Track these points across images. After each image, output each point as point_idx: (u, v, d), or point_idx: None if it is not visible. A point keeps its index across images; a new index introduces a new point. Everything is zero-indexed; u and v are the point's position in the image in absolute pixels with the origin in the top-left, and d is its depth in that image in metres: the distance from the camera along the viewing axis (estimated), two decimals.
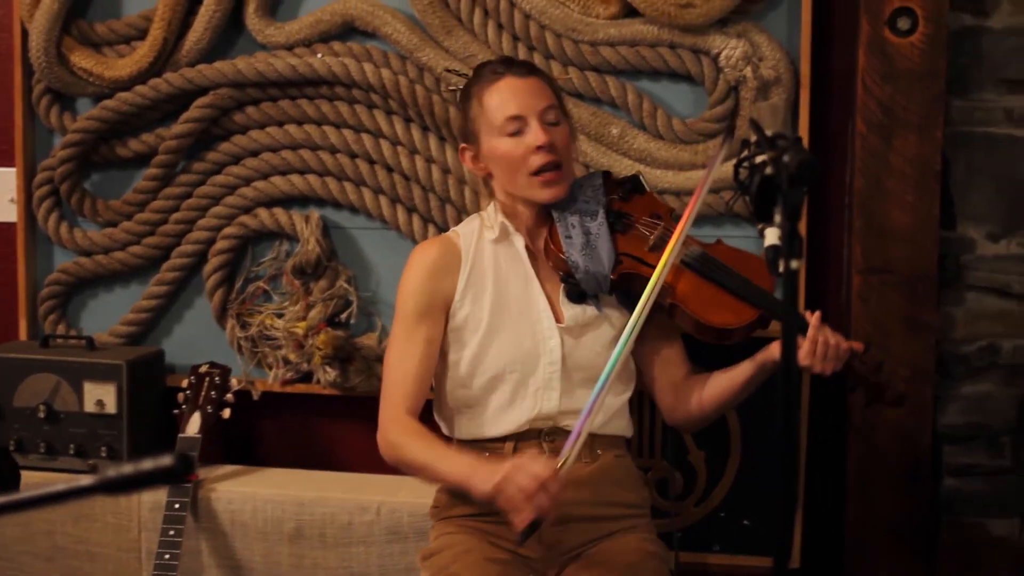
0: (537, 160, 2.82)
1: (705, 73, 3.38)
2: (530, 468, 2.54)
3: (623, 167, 3.39)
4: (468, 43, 3.49)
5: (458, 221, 3.50)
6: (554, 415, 2.86)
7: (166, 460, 1.39)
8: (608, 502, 2.88)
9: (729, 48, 3.33)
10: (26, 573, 3.53)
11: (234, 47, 3.64)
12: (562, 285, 2.89)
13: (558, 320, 2.87)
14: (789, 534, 3.19)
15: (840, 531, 3.33)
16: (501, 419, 2.87)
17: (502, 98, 2.85)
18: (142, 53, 3.59)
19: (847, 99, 3.34)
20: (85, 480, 1.43)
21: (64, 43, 3.64)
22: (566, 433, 2.80)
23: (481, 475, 2.62)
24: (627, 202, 2.96)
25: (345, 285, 3.60)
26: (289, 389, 3.64)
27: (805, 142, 3.36)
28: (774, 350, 2.78)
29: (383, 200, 3.56)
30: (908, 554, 3.29)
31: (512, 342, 2.85)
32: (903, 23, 3.18)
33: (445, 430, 2.99)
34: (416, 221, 3.55)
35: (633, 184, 3.00)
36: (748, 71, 3.32)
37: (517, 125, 2.83)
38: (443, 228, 3.52)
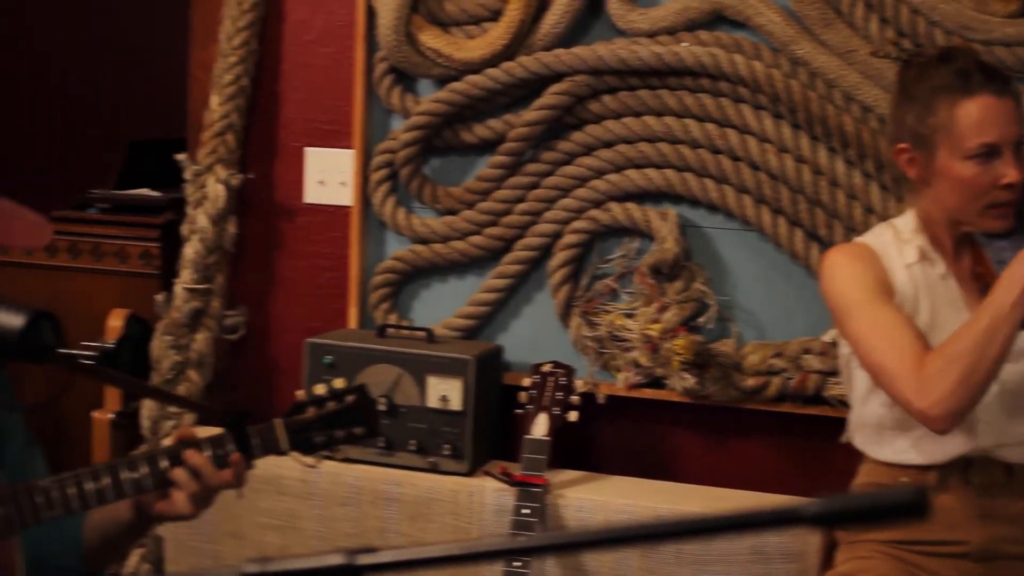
0: (1002, 196, 2.60)
1: None
2: None
3: None
4: (848, 37, 3.27)
5: (828, 226, 3.30)
6: (990, 446, 2.66)
7: (905, 493, 1.12)
8: None
9: None
10: None
11: (589, 33, 3.45)
12: None
13: None
14: None
15: None
16: (930, 446, 2.65)
17: (981, 118, 2.59)
18: (497, 35, 3.43)
19: None
20: (795, 505, 1.15)
21: (413, 21, 3.48)
22: (999, 465, 2.64)
23: None
24: None
25: (701, 287, 3.41)
26: (636, 394, 3.46)
27: None
28: None
29: (747, 200, 3.36)
30: None
31: None
32: None
33: (859, 445, 2.81)
34: (782, 223, 3.34)
35: None
36: None
37: (988, 150, 2.59)
38: (811, 232, 3.31)
